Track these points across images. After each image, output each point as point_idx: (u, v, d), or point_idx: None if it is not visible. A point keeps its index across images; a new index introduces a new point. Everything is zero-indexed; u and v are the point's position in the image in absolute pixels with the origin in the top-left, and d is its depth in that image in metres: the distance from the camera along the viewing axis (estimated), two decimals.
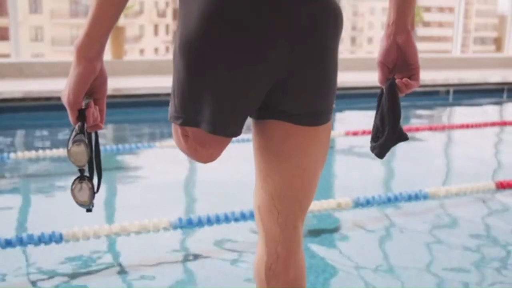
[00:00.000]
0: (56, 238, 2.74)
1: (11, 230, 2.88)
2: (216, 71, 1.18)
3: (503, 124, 6.35)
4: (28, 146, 5.05)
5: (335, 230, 3.08)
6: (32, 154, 4.43)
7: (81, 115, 1.14)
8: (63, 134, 5.37)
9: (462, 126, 5.93)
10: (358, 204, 3.30)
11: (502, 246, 2.84)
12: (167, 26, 45.83)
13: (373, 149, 1.35)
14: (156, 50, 44.44)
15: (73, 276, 2.46)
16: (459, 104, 7.77)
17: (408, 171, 4.36)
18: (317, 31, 1.20)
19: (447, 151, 5.33)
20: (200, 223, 2.98)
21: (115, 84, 6.50)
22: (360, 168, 4.36)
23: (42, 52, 38.13)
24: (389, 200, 3.37)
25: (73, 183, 1.18)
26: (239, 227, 2.99)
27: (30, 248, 2.69)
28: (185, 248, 2.81)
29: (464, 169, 4.41)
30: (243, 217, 3.02)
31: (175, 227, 2.94)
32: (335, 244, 2.86)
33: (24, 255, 2.65)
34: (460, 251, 2.76)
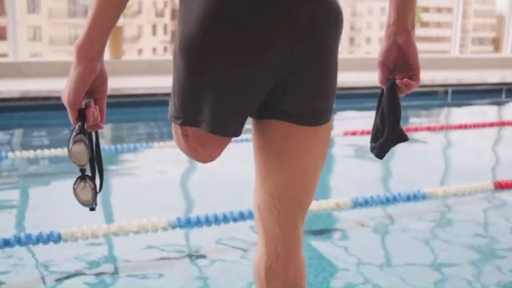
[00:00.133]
0: (54, 238, 2.73)
1: (10, 230, 2.88)
2: (216, 71, 1.18)
3: (502, 124, 6.36)
4: (26, 146, 5.04)
5: (334, 230, 3.08)
6: (30, 153, 4.42)
7: (81, 115, 1.14)
8: (62, 134, 5.37)
9: (460, 126, 5.93)
10: (356, 204, 3.30)
11: (501, 245, 2.84)
12: (165, 26, 45.79)
13: (372, 149, 1.35)
14: (154, 50, 44.40)
15: (72, 275, 2.45)
16: (458, 104, 7.77)
17: (407, 171, 4.36)
18: (317, 31, 1.20)
19: (445, 151, 5.33)
20: (198, 223, 2.98)
21: (113, 84, 6.48)
22: (359, 168, 4.37)
23: (40, 51, 38.08)
24: (387, 200, 3.37)
25: (75, 182, 1.18)
26: (238, 227, 2.99)
27: (28, 247, 2.68)
28: (184, 248, 2.80)
29: (463, 169, 4.42)
30: (242, 217, 3.02)
31: (173, 226, 2.94)
32: (334, 244, 2.86)
33: (22, 255, 2.65)
34: (458, 251, 2.76)
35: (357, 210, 3.27)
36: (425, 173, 4.29)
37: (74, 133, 1.14)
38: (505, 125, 6.32)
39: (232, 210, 3.05)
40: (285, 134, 1.26)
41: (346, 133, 5.21)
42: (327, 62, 1.24)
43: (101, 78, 1.16)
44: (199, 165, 3.96)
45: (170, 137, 5.25)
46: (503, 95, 8.30)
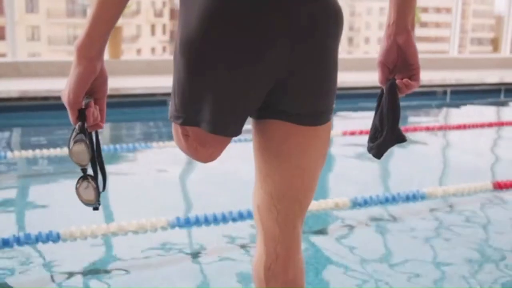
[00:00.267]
0: (53, 238, 2.73)
1: (8, 230, 2.87)
2: (216, 71, 1.18)
3: (500, 124, 6.36)
4: (25, 146, 5.04)
5: (333, 230, 3.07)
6: (29, 153, 4.42)
7: (81, 115, 1.14)
8: (60, 134, 5.36)
9: (459, 127, 5.93)
10: (356, 204, 3.30)
11: (500, 245, 2.84)
12: (164, 26, 45.80)
13: (370, 149, 1.34)
14: (153, 50, 44.40)
15: (71, 275, 2.45)
16: (456, 105, 7.78)
17: (406, 171, 4.37)
18: (317, 31, 1.20)
19: (444, 152, 5.34)
20: (197, 222, 2.98)
21: (112, 84, 6.43)
22: (358, 168, 4.37)
23: (39, 51, 38.07)
24: (386, 200, 3.37)
25: (78, 182, 1.17)
26: (238, 227, 2.99)
27: (27, 247, 2.68)
28: (183, 248, 2.80)
29: (462, 169, 4.42)
30: (241, 216, 3.02)
31: (173, 226, 2.94)
32: (333, 244, 2.86)
33: (21, 255, 2.64)
34: (458, 251, 2.76)
35: (356, 210, 3.27)
36: (424, 173, 4.29)
37: (74, 133, 1.14)
38: (503, 125, 6.32)
39: (231, 210, 3.05)
40: (285, 134, 1.26)
41: (345, 133, 5.22)
42: (327, 62, 1.24)
43: (101, 78, 1.16)
44: (198, 165, 3.96)
45: (169, 137, 5.25)
46: (502, 95, 8.31)
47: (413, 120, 6.50)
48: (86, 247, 2.74)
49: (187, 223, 2.96)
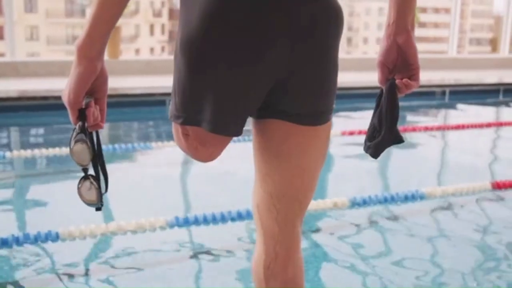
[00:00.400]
0: (52, 237, 2.73)
1: (7, 229, 2.87)
2: (216, 70, 1.18)
3: (499, 124, 6.37)
4: (24, 145, 5.04)
5: (331, 229, 3.08)
6: (28, 153, 4.42)
7: (82, 115, 1.14)
8: (59, 134, 5.36)
9: (458, 127, 5.94)
10: (354, 204, 3.30)
11: (498, 245, 2.84)
12: (162, 26, 45.76)
13: (367, 148, 1.35)
14: (151, 50, 44.35)
15: (69, 275, 2.45)
16: (455, 105, 7.78)
17: (405, 171, 4.37)
18: (318, 30, 1.20)
19: (443, 152, 5.34)
20: (196, 222, 2.98)
21: (111, 84, 6.36)
22: (357, 168, 4.37)
23: (38, 51, 38.02)
24: (385, 200, 3.38)
25: (79, 182, 1.17)
26: (236, 227, 2.99)
27: (26, 247, 2.68)
28: (182, 247, 2.80)
29: (460, 169, 4.42)
30: (240, 216, 3.02)
31: (171, 226, 2.94)
32: (331, 243, 2.86)
33: (20, 254, 2.64)
34: (457, 251, 2.77)
35: (355, 209, 3.27)
36: (423, 173, 4.30)
37: (75, 133, 1.14)
38: (502, 125, 6.33)
39: (230, 210, 3.05)
40: (285, 134, 1.26)
41: (343, 133, 5.22)
42: (327, 62, 1.24)
43: (102, 78, 1.16)
44: (197, 164, 3.96)
45: (167, 137, 5.25)
46: (501, 95, 8.31)
47: (412, 120, 6.50)
48: (85, 246, 2.74)
49: (185, 222, 2.97)
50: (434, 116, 7.35)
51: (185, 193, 3.86)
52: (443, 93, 8.07)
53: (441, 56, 11.44)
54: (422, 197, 3.46)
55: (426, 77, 7.93)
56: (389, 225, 3.12)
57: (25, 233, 2.75)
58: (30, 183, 4.04)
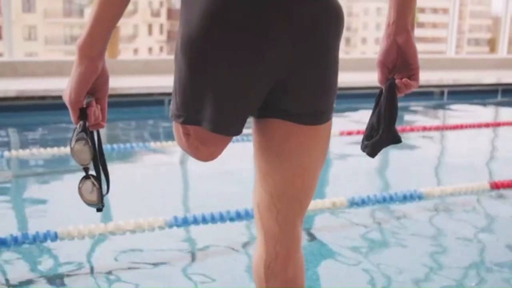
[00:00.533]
0: (51, 237, 2.73)
1: (6, 229, 2.87)
2: (217, 70, 1.18)
3: (497, 125, 6.38)
4: (22, 145, 5.04)
5: (330, 229, 3.08)
6: (26, 153, 4.42)
7: (83, 114, 1.14)
8: (57, 133, 5.36)
9: (456, 127, 5.94)
10: (353, 203, 3.31)
11: (498, 245, 2.85)
12: (161, 26, 45.76)
13: (364, 147, 1.35)
14: (150, 49, 44.35)
15: (68, 275, 2.45)
16: (454, 105, 7.79)
17: (403, 171, 4.37)
18: (318, 30, 1.20)
19: (441, 152, 5.35)
20: (195, 221, 2.98)
21: (109, 84, 6.49)
22: (355, 168, 4.37)
23: (36, 51, 38.00)
24: (384, 200, 3.38)
25: (80, 182, 1.17)
26: (235, 226, 2.99)
27: (25, 247, 2.68)
28: (180, 247, 2.80)
29: (459, 169, 4.42)
30: (239, 216, 3.02)
31: (170, 225, 2.94)
32: (330, 243, 2.86)
33: (19, 254, 2.64)
34: (455, 251, 2.77)
35: (353, 209, 3.27)
36: (421, 173, 4.30)
37: (76, 132, 1.14)
38: (500, 125, 6.34)
39: (229, 209, 3.05)
40: (286, 133, 1.26)
41: (342, 133, 5.22)
42: (327, 62, 1.24)
43: (103, 78, 1.17)
44: (196, 164, 3.95)
45: (166, 136, 5.24)
46: (499, 95, 8.33)
47: (410, 120, 6.51)
48: (83, 246, 2.74)
49: (184, 222, 2.96)
50: (432, 116, 7.35)
51: (183, 193, 3.86)
52: (442, 93, 8.08)
53: (440, 57, 11.46)
54: (420, 197, 3.46)
55: (425, 77, 7.90)
56: (387, 225, 3.12)
57: (23, 232, 2.75)
58: (28, 182, 4.04)
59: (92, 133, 1.17)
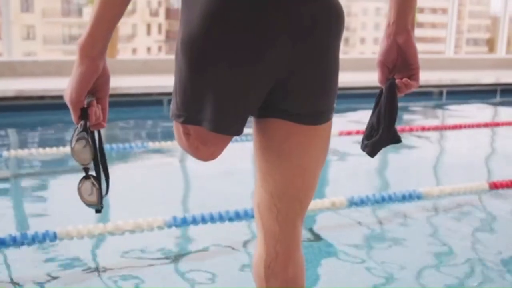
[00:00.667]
0: (50, 237, 2.73)
1: (5, 229, 2.86)
2: (217, 70, 1.18)
3: (496, 125, 6.38)
4: (21, 145, 5.03)
5: (329, 229, 3.07)
6: (25, 152, 4.41)
7: (84, 114, 1.14)
8: (56, 133, 5.35)
9: (455, 127, 5.95)
10: (352, 203, 3.31)
11: (497, 245, 2.85)
12: (159, 26, 45.71)
13: (364, 147, 1.35)
14: (148, 49, 44.31)
15: (68, 275, 2.45)
16: (452, 105, 7.79)
17: (402, 171, 4.38)
18: (318, 30, 1.20)
19: (440, 152, 5.35)
20: (194, 222, 2.98)
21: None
22: (354, 168, 4.37)
23: (34, 50, 37.95)
24: (383, 200, 3.38)
25: (80, 182, 1.17)
26: (235, 226, 2.99)
27: (24, 247, 2.67)
28: (179, 247, 2.80)
29: (458, 169, 4.43)
30: (238, 216, 3.02)
31: (169, 225, 2.93)
32: (329, 243, 2.86)
33: (18, 254, 2.64)
34: (454, 251, 2.77)
35: (352, 209, 3.27)
36: (420, 172, 4.30)
37: (76, 132, 1.14)
38: (499, 125, 6.34)
39: (228, 210, 3.05)
40: (286, 133, 1.26)
41: (341, 133, 5.22)
42: (327, 62, 1.24)
43: (104, 77, 1.17)
44: (195, 164, 3.96)
45: (165, 136, 5.24)
46: (498, 95, 8.33)
47: (409, 120, 6.51)
48: (83, 246, 2.74)
49: (184, 222, 2.96)
50: (431, 116, 7.36)
51: (183, 193, 3.85)
52: (440, 93, 8.08)
53: (439, 57, 11.46)
54: (419, 197, 3.46)
55: (424, 77, 7.86)
56: (386, 224, 3.13)
57: (22, 232, 2.74)
58: (27, 182, 4.03)
59: (93, 133, 1.17)
